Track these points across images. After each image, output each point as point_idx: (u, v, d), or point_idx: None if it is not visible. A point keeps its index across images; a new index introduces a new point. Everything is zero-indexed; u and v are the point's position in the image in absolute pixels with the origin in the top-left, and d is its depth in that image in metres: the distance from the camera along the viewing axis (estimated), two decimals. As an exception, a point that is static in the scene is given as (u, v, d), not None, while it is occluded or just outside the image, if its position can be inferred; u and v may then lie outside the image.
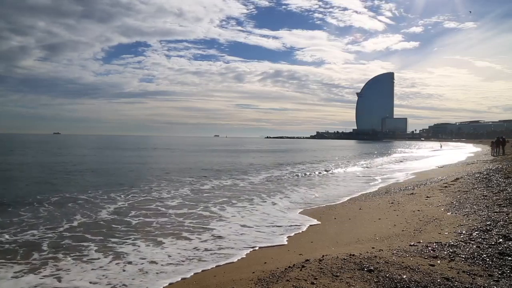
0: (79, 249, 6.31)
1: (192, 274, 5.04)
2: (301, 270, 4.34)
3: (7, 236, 7.04)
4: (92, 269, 5.33)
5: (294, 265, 4.57)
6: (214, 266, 5.34)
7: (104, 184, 14.60)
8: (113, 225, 8.05)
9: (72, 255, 5.99)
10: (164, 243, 6.66)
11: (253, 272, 4.56)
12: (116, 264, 5.56)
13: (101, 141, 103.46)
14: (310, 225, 7.92)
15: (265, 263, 5.14)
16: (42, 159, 29.91)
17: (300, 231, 7.43)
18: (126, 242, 6.75)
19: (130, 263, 5.59)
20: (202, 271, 5.15)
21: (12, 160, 28.24)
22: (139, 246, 6.46)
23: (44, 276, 5.09)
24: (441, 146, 71.34)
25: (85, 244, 6.62)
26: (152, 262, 5.59)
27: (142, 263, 5.55)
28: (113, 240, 6.89)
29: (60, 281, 4.92)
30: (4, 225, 7.87)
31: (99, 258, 5.82)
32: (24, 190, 13.16)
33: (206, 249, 6.22)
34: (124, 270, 5.27)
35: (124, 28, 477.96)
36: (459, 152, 44.07)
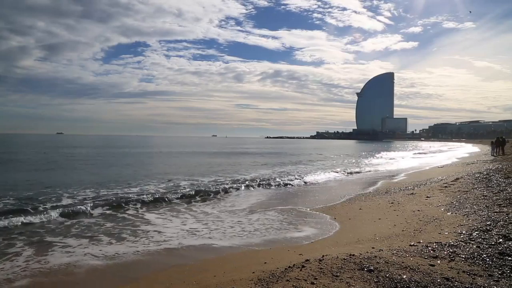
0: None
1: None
2: (301, 270, 4.33)
3: None
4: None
5: (294, 265, 4.56)
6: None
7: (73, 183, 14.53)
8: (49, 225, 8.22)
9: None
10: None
11: (253, 272, 4.56)
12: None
13: (104, 141, 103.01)
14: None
15: (265, 263, 5.13)
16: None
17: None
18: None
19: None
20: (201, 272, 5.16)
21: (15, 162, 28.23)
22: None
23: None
24: (430, 147, 72.51)
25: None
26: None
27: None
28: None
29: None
30: None
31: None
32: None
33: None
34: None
35: (123, 28, 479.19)
36: (448, 156, 37.37)
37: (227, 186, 13.97)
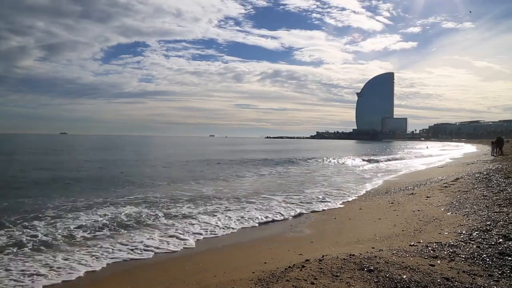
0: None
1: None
2: (301, 270, 4.33)
3: None
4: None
5: (294, 265, 4.56)
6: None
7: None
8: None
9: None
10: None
11: (253, 272, 4.56)
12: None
13: (106, 141, 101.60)
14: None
15: (265, 263, 5.14)
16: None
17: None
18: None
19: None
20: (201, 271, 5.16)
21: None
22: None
23: None
24: (427, 147, 72.62)
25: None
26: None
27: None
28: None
29: None
30: None
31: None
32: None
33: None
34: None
35: (123, 28, 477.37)
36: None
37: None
